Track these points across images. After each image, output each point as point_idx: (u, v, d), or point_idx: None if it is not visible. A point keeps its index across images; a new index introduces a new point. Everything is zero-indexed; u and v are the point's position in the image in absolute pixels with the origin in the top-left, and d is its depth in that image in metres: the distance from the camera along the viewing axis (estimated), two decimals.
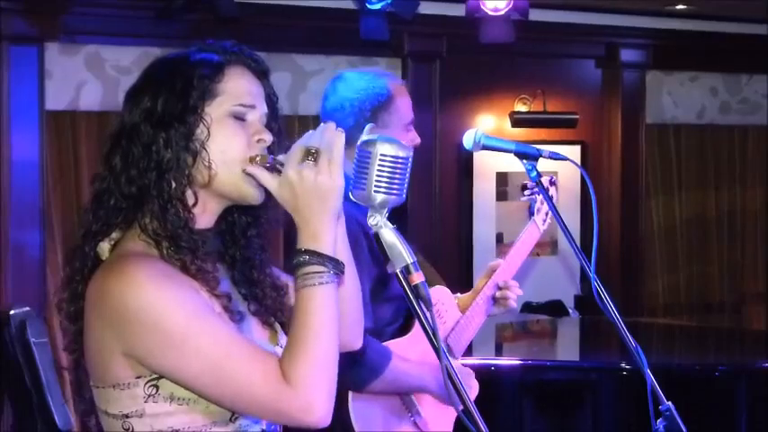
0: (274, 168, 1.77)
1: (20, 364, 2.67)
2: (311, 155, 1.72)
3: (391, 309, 2.86)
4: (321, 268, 1.71)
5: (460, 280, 6.44)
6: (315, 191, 1.71)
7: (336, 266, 1.73)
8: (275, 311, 1.90)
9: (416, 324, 2.95)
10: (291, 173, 1.71)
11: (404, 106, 2.95)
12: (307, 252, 1.71)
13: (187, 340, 1.65)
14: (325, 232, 1.72)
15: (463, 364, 3.15)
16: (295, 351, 1.68)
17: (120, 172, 1.77)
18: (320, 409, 1.67)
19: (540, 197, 3.17)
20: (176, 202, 1.75)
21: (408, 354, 2.88)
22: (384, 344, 2.86)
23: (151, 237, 1.75)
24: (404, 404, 2.94)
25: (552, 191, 3.22)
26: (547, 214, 3.27)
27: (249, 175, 1.77)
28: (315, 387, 1.66)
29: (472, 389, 3.06)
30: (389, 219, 1.74)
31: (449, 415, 3.02)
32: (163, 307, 1.66)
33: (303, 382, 1.65)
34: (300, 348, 1.67)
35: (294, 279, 1.73)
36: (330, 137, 1.74)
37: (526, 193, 3.17)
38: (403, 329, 2.96)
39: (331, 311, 1.71)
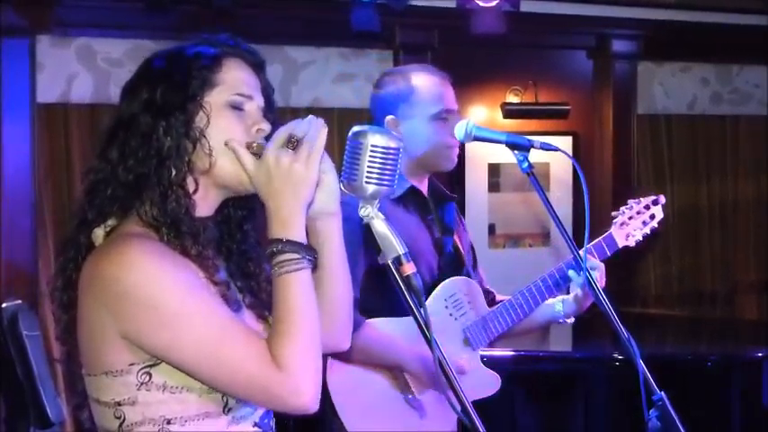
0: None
1: (12, 358, 2.67)
2: (292, 142, 1.76)
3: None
4: (294, 255, 1.73)
5: None
6: (288, 177, 1.73)
7: (308, 252, 1.75)
8: (270, 305, 1.90)
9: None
10: (269, 155, 1.75)
11: (430, 97, 3.01)
12: (278, 241, 1.73)
13: (181, 318, 1.66)
14: (294, 220, 1.75)
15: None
16: (280, 337, 1.70)
17: (117, 162, 1.79)
18: (309, 392, 1.69)
19: (629, 211, 3.20)
20: (177, 189, 1.77)
21: (408, 335, 2.89)
22: (382, 319, 2.88)
23: (151, 223, 1.76)
24: (396, 384, 2.96)
25: (657, 210, 3.22)
26: (636, 231, 3.22)
27: (231, 150, 1.79)
28: (302, 370, 1.68)
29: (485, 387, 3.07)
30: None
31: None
32: (157, 284, 1.66)
33: (291, 365, 1.67)
34: (285, 334, 1.70)
35: (269, 268, 1.75)
36: (315, 129, 1.77)
37: (622, 208, 3.22)
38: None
39: (308, 296, 1.74)
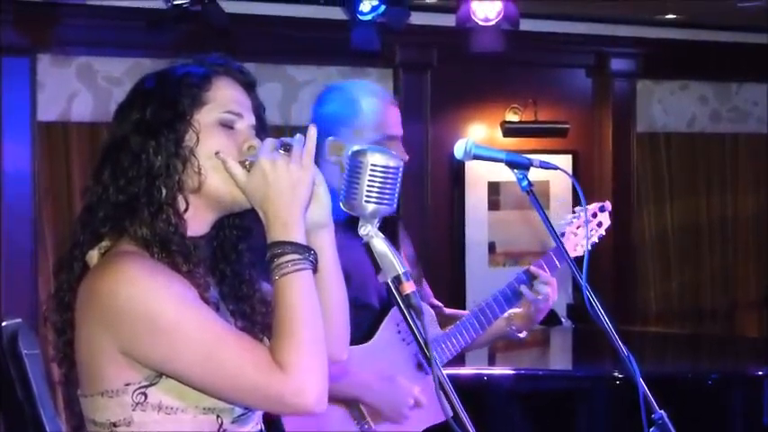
0: None
1: (11, 377, 2.66)
2: (284, 146, 1.77)
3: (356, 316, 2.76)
4: (296, 256, 1.72)
5: (452, 290, 6.44)
6: (287, 179, 1.73)
7: (309, 253, 1.74)
8: (264, 328, 1.90)
9: (377, 335, 2.93)
10: (264, 161, 1.74)
11: (372, 123, 2.90)
12: (279, 243, 1.73)
13: (178, 329, 1.66)
14: (295, 222, 1.74)
15: (456, 375, 3.11)
16: (282, 337, 1.69)
17: (109, 183, 1.78)
18: (313, 392, 1.67)
19: (576, 221, 3.10)
20: (167, 208, 1.76)
21: (361, 363, 2.84)
22: None
23: (141, 243, 1.75)
24: (351, 414, 2.89)
25: (604, 217, 3.18)
26: (583, 240, 3.11)
27: (221, 161, 1.78)
28: (306, 370, 1.67)
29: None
30: (381, 228, 1.75)
31: (410, 429, 2.94)
32: (153, 297, 1.66)
33: (293, 365, 1.66)
34: (286, 334, 1.69)
35: (270, 273, 1.74)
36: (304, 133, 1.79)
37: (568, 217, 3.14)
38: (363, 339, 2.91)
39: (311, 296, 1.73)
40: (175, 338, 1.66)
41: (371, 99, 2.93)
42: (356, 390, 2.84)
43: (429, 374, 3.01)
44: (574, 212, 3.12)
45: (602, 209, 3.18)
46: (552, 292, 3.02)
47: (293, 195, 1.74)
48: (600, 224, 3.17)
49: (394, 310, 2.92)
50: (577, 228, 3.12)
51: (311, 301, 1.73)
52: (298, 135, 1.80)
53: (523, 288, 3.05)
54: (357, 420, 2.89)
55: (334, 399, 2.80)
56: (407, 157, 2.96)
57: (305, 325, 1.70)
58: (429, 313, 3.08)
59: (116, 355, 1.70)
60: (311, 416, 1.72)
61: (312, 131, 1.80)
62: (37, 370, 2.68)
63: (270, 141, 1.78)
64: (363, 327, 2.89)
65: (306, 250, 1.74)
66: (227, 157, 1.78)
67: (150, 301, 1.66)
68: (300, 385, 1.66)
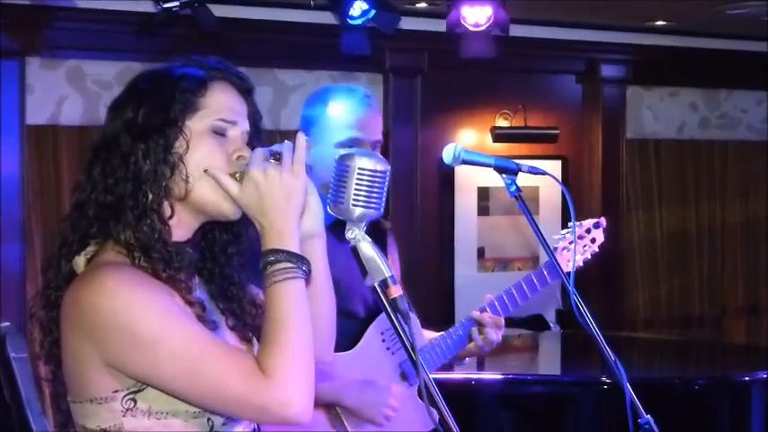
0: None
1: None
2: (274, 155, 1.76)
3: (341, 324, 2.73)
4: (288, 264, 1.72)
5: (441, 295, 6.44)
6: (280, 188, 1.73)
7: (303, 262, 1.74)
8: (254, 328, 1.89)
9: (361, 344, 2.89)
10: (255, 172, 1.73)
11: (339, 123, 2.82)
12: (273, 251, 1.72)
13: (161, 342, 1.65)
14: (290, 231, 1.74)
15: (445, 380, 3.10)
16: (269, 346, 1.68)
17: (98, 182, 1.78)
18: (299, 402, 1.66)
19: (570, 236, 3.09)
20: (152, 213, 1.75)
21: (344, 370, 2.83)
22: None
23: (124, 247, 1.74)
24: (328, 418, 2.86)
25: (598, 233, 3.17)
26: (576, 256, 3.12)
27: (212, 177, 1.77)
28: (291, 379, 1.66)
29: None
30: (368, 233, 1.76)
31: None
32: (136, 310, 1.65)
33: (279, 374, 1.65)
34: (274, 342, 1.68)
35: (263, 280, 1.73)
36: (294, 141, 1.78)
37: (562, 232, 3.13)
38: (347, 347, 2.88)
39: (302, 305, 1.72)
40: (159, 352, 1.65)
41: (343, 99, 2.85)
42: (335, 392, 2.82)
43: (413, 384, 3.01)
44: (567, 227, 3.09)
45: (596, 225, 3.17)
46: (497, 337, 3.06)
47: (288, 204, 1.74)
48: (594, 240, 3.17)
49: (379, 318, 2.91)
50: (570, 243, 3.11)
51: (301, 310, 1.72)
52: (286, 142, 1.80)
53: (474, 333, 3.04)
54: (334, 424, 2.87)
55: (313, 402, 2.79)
56: None
57: (294, 334, 1.69)
58: (416, 323, 3.03)
59: (100, 366, 1.69)
60: (296, 426, 1.71)
61: (301, 138, 1.79)
62: (25, 373, 2.68)
63: (260, 151, 1.77)
64: (347, 335, 2.84)
65: (299, 259, 1.73)
66: (219, 172, 1.77)
67: (133, 315, 1.65)
68: (286, 395, 1.66)
